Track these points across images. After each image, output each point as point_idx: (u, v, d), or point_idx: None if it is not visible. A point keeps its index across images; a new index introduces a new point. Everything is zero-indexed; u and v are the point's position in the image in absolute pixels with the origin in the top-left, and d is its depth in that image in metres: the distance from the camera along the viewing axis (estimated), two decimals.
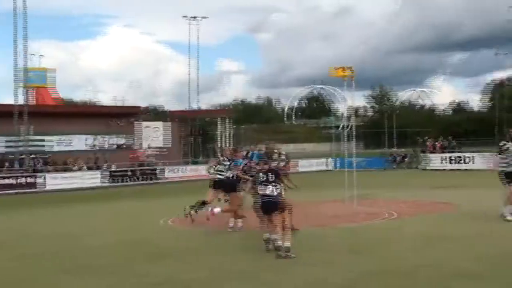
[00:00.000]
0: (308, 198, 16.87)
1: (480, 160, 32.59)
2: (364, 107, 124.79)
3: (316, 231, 11.61)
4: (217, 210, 12.06)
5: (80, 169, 30.21)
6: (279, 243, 8.99)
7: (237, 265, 8.51)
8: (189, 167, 33.94)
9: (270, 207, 9.33)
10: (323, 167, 38.17)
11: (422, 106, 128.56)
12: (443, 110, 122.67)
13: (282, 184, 9.68)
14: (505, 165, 12.25)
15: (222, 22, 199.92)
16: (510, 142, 12.31)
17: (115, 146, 34.33)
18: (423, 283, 7.15)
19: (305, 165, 37.53)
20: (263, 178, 9.51)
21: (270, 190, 9.36)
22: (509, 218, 11.88)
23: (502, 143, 12.44)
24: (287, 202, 9.69)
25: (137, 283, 7.64)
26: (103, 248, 10.60)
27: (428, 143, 36.30)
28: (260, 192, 9.48)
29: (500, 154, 12.46)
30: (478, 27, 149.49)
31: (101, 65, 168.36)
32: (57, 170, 29.86)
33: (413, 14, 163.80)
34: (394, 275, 7.56)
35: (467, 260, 8.35)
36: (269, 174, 9.52)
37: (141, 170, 31.52)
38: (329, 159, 39.37)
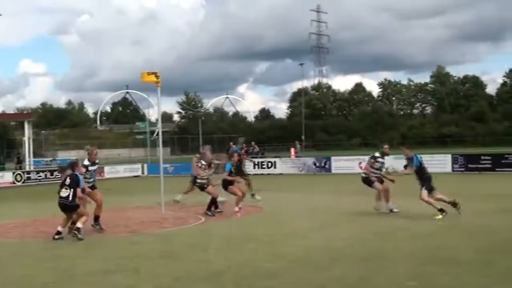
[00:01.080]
0: (117, 204, 16.57)
1: (281, 165, 34.26)
2: (175, 113, 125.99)
3: (124, 238, 11.44)
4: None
5: None
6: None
7: (39, 277, 8.03)
8: None
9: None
10: (139, 173, 37.61)
11: (228, 113, 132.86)
12: (245, 117, 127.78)
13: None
14: (367, 173, 14.23)
15: (25, 22, 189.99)
16: (381, 158, 14.27)
17: None
18: (229, 285, 7.30)
19: (112, 171, 36.75)
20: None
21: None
22: (395, 210, 13.72)
23: (377, 154, 14.37)
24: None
25: None
26: None
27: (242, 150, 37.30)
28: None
29: (372, 163, 14.26)
30: (281, 38, 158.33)
31: None
32: None
33: (218, 24, 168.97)
34: (202, 279, 7.64)
35: (270, 259, 8.71)
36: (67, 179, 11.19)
37: None
38: (145, 165, 38.90)
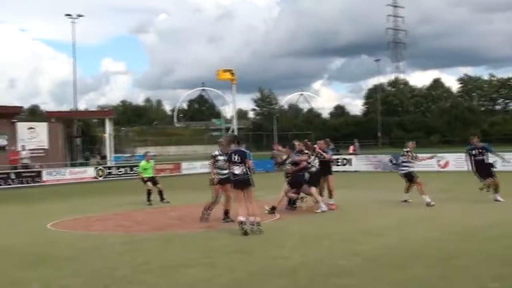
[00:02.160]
0: (193, 200, 16.85)
1: (357, 162, 33.90)
2: (250, 110, 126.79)
3: (201, 233, 11.62)
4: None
5: None
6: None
7: (118, 269, 8.29)
8: (68, 170, 32.91)
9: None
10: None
11: (302, 110, 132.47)
12: (321, 113, 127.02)
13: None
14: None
15: (105, 22, 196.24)
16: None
17: None
18: (304, 281, 7.28)
19: (189, 168, 37.42)
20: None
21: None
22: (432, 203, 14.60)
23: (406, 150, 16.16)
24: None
25: None
26: None
27: (315, 146, 37.06)
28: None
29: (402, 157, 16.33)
30: (356, 34, 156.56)
31: None
32: None
33: (292, 20, 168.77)
34: (276, 275, 7.65)
35: (345, 257, 8.63)
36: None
37: (16, 172, 30.09)
38: None
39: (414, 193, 15.47)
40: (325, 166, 15.21)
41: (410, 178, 15.70)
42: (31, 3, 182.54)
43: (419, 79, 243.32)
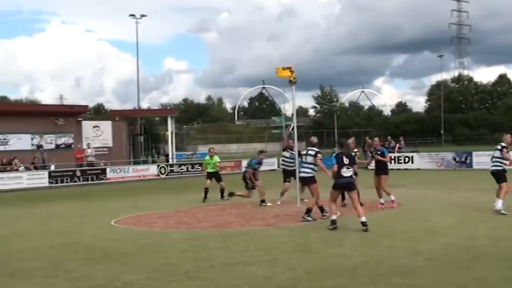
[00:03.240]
0: (253, 198, 16.92)
1: (419, 160, 33.34)
2: (310, 107, 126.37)
3: (261, 231, 11.67)
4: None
5: (17, 169, 29.49)
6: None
7: (180, 265, 8.43)
8: (131, 167, 33.60)
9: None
10: (274, 167, 38.12)
11: (363, 107, 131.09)
12: (381, 111, 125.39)
13: None
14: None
15: (168, 22, 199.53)
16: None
17: (53, 146, 33.52)
18: (365, 280, 7.22)
19: None
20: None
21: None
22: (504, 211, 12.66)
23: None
24: None
25: (72, 287, 7.46)
26: (39, 250, 10.34)
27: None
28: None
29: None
30: (418, 30, 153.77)
31: (41, 63, 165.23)
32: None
33: (354, 17, 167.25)
34: (336, 273, 7.62)
35: (407, 256, 8.51)
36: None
37: (82, 170, 30.94)
38: (281, 159, 39.21)
39: (480, 191, 15.06)
40: (379, 166, 15.09)
41: (498, 178, 13.37)
42: (96, 5, 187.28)
43: (484, 75, 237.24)
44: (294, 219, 13.13)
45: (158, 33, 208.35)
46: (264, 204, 15.99)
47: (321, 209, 13.14)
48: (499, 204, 12.88)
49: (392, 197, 14.81)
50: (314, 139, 13.67)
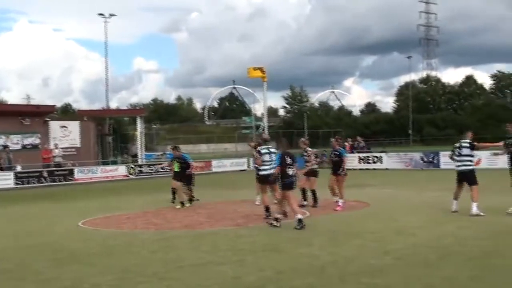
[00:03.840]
0: (223, 198, 16.92)
1: (387, 160, 33.66)
2: (281, 108, 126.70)
3: (230, 231, 11.65)
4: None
5: None
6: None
7: (150, 266, 8.36)
8: (100, 168, 33.27)
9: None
10: (245, 167, 38.13)
11: (333, 107, 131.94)
12: (351, 111, 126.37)
13: None
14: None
15: (137, 22, 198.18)
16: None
17: (19, 146, 33.03)
18: (334, 280, 7.25)
19: (219, 166, 37.62)
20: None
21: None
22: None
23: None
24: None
25: None
26: (5, 251, 10.17)
27: (346, 144, 36.74)
28: None
29: None
30: (388, 31, 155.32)
31: (7, 62, 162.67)
32: None
33: (324, 18, 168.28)
34: (306, 273, 7.64)
35: (375, 256, 8.58)
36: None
37: (49, 171, 30.52)
38: (251, 159, 39.34)
39: (448, 191, 15.25)
40: (335, 166, 14.83)
41: (470, 179, 13.03)
42: (65, 4, 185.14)
43: (452, 76, 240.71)
44: (263, 219, 13.12)
45: (128, 33, 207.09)
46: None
47: (267, 209, 13.05)
48: (474, 208, 12.49)
49: (341, 201, 14.57)
50: (266, 136, 14.12)
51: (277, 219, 11.80)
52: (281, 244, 9.93)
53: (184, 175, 16.98)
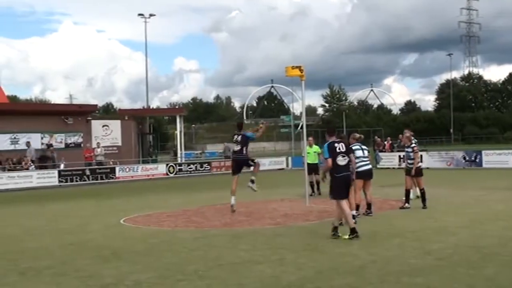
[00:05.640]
0: (262, 197, 16.96)
1: (428, 159, 33.21)
2: (319, 106, 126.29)
3: (270, 230, 11.67)
4: None
5: (27, 168, 29.63)
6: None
7: (190, 264, 8.45)
8: (140, 166, 33.68)
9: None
10: (283, 166, 38.18)
11: (372, 106, 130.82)
12: (390, 109, 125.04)
13: None
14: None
15: (179, 22, 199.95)
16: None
17: (63, 145, 33.67)
18: (374, 279, 7.21)
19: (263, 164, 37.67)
20: None
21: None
22: None
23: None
24: None
25: (82, 285, 7.48)
26: (49, 249, 10.39)
27: (386, 142, 36.42)
28: None
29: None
30: (429, 29, 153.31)
31: (53, 63, 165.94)
32: (9, 169, 29.31)
33: (365, 16, 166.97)
34: (345, 273, 7.61)
35: (416, 256, 8.49)
36: None
37: (91, 169, 31.04)
38: (289, 158, 39.42)
39: (490, 190, 14.98)
40: None
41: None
42: (108, 4, 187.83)
43: (495, 73, 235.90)
44: (303, 218, 13.13)
45: (170, 33, 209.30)
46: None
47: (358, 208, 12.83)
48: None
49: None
50: (356, 135, 13.74)
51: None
52: (320, 243, 9.91)
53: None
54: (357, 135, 13.62)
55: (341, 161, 10.46)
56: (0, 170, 29.04)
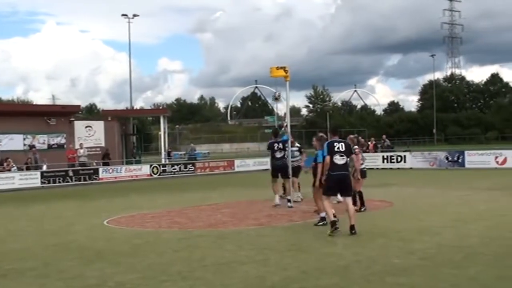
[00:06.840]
0: (246, 197, 16.94)
1: (411, 159, 33.40)
2: (303, 107, 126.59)
3: (254, 230, 11.66)
4: None
5: (9, 170, 29.37)
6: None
7: (173, 265, 8.41)
8: (124, 167, 33.51)
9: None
10: (267, 166, 38.02)
11: (356, 107, 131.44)
12: (374, 110, 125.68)
13: None
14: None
15: (162, 22, 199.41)
16: None
17: (45, 146, 33.41)
18: (358, 279, 7.22)
19: (242, 165, 37.64)
20: None
21: None
22: None
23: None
24: None
25: (65, 287, 7.42)
26: (32, 250, 10.30)
27: (369, 143, 36.55)
28: None
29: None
30: (412, 30, 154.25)
31: (36, 63, 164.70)
32: None
33: (349, 17, 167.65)
34: (330, 273, 7.62)
35: (400, 256, 8.53)
36: None
37: (74, 170, 30.82)
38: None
39: (473, 190, 15.11)
40: None
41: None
42: (91, 5, 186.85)
43: (477, 74, 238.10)
44: (287, 218, 13.13)
45: (153, 33, 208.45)
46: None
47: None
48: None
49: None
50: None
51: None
52: (305, 243, 9.92)
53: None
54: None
55: (339, 160, 10.61)
56: None
